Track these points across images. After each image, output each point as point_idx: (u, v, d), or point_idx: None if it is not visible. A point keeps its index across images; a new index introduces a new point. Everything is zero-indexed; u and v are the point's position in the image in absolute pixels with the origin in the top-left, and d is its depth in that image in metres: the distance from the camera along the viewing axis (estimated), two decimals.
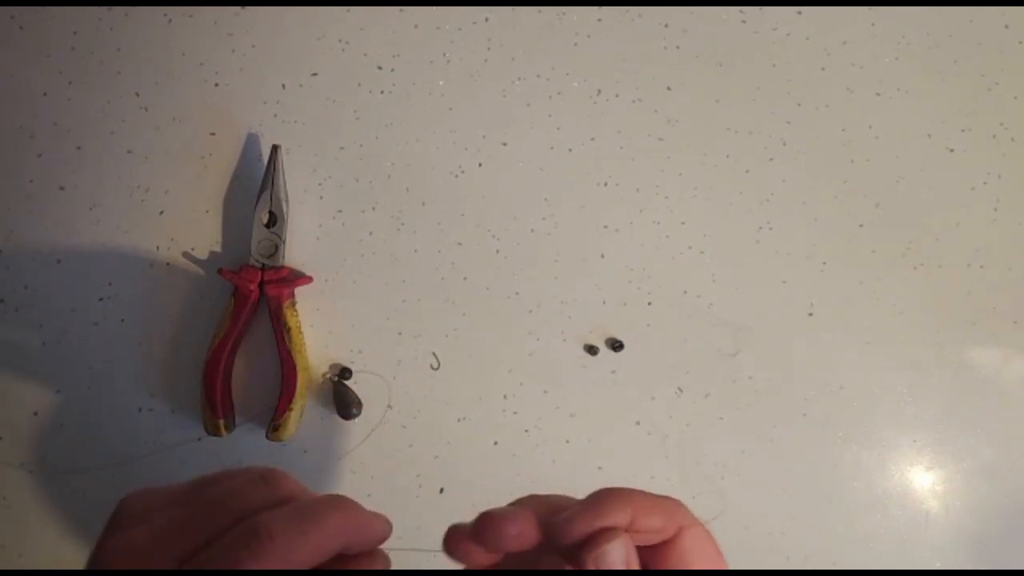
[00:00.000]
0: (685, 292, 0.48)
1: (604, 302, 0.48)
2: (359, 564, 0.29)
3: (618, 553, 0.26)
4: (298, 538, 0.26)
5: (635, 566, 0.27)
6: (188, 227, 0.48)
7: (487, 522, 0.28)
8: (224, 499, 0.27)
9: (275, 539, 0.25)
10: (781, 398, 0.48)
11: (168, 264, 0.48)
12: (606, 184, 0.48)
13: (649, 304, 0.48)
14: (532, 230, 0.48)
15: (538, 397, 0.48)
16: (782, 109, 0.49)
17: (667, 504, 0.29)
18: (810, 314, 0.48)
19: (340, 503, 0.28)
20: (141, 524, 0.26)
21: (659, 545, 0.28)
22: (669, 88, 0.49)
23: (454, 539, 0.28)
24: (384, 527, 0.31)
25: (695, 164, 0.48)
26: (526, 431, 0.48)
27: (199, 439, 0.47)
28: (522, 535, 0.27)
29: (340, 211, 0.48)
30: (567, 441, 0.48)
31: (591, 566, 0.26)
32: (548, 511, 0.28)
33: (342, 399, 0.47)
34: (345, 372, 0.47)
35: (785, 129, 0.49)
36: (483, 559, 0.28)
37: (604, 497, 0.27)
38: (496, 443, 0.48)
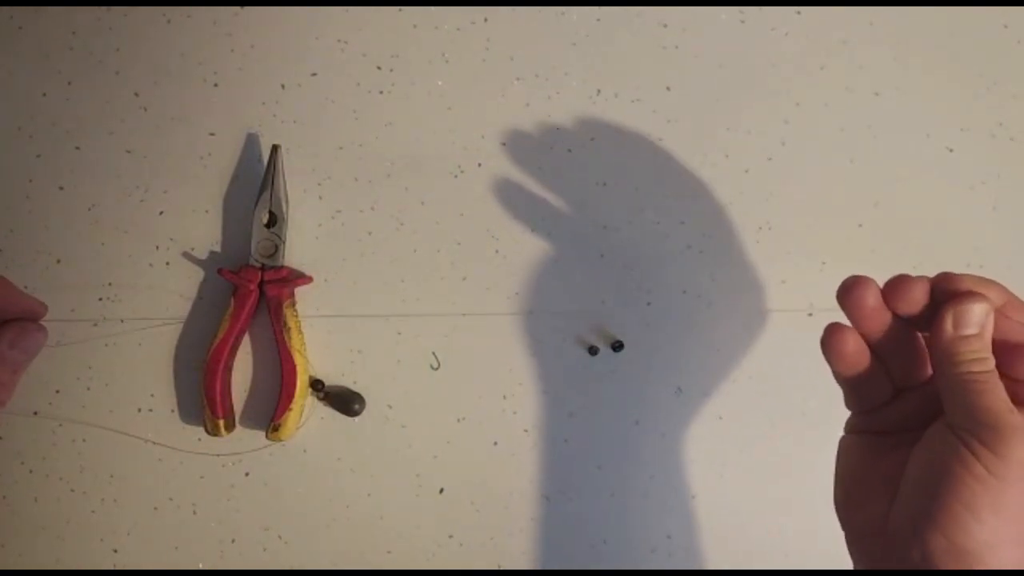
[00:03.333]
0: (685, 292, 0.48)
1: (604, 302, 0.48)
2: (10, 328, 0.33)
3: (979, 313, 0.29)
4: None
5: (988, 334, 0.30)
6: (188, 227, 0.48)
7: (901, 282, 0.31)
8: None
9: None
10: (781, 398, 0.48)
11: (168, 264, 0.48)
12: (606, 184, 0.48)
13: (649, 304, 0.48)
14: (532, 230, 0.48)
15: (538, 397, 0.48)
16: (782, 109, 0.49)
17: None
18: (810, 314, 0.48)
19: None
20: None
21: (1011, 347, 0.30)
22: (669, 88, 0.49)
23: (859, 287, 0.31)
24: (35, 304, 0.35)
25: (695, 164, 0.49)
26: (526, 431, 0.48)
27: (199, 439, 0.47)
28: (920, 300, 0.31)
29: (340, 211, 0.48)
30: (566, 441, 0.48)
31: (948, 321, 0.30)
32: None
33: (344, 397, 0.47)
34: (318, 384, 0.47)
35: (785, 129, 0.49)
36: (871, 315, 0.31)
37: (986, 279, 0.31)
38: (496, 443, 0.48)
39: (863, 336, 0.32)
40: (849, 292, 0.31)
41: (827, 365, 0.34)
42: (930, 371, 0.33)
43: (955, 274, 0.31)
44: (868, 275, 0.32)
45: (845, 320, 0.33)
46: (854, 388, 0.34)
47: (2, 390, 0.33)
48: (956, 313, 0.30)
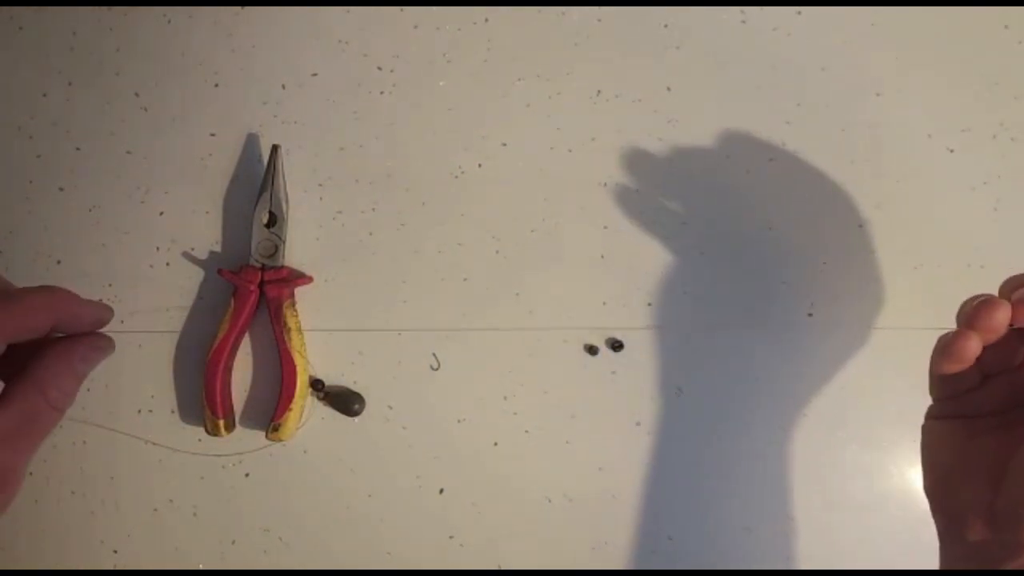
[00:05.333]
0: (685, 292, 0.48)
1: (604, 302, 0.48)
2: (81, 341, 0.33)
3: None
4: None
5: None
6: (188, 227, 0.48)
7: None
8: None
9: None
10: (782, 399, 0.48)
11: (168, 264, 0.48)
12: (606, 184, 0.48)
13: (649, 304, 0.48)
14: (532, 230, 0.48)
15: (538, 398, 0.48)
16: (782, 109, 0.49)
17: None
18: (810, 314, 0.48)
19: (46, 287, 0.33)
20: None
21: None
22: (669, 88, 0.49)
23: (997, 310, 0.32)
24: (100, 311, 0.35)
25: (696, 165, 0.48)
26: (526, 432, 0.48)
27: (199, 440, 0.47)
28: None
29: (340, 211, 0.48)
30: (567, 442, 0.48)
31: None
32: None
33: (344, 397, 0.47)
34: (318, 383, 0.47)
35: (785, 129, 0.49)
36: (998, 330, 0.33)
37: None
38: (496, 444, 0.48)
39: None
40: (986, 313, 0.32)
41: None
42: (1019, 359, 0.34)
43: None
44: (991, 294, 0.33)
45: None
46: (947, 378, 0.35)
47: (67, 399, 0.33)
48: None
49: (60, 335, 0.34)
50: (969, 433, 0.35)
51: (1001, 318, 0.32)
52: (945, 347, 0.34)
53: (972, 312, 0.33)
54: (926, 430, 0.37)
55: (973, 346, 0.33)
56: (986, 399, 0.35)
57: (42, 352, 0.33)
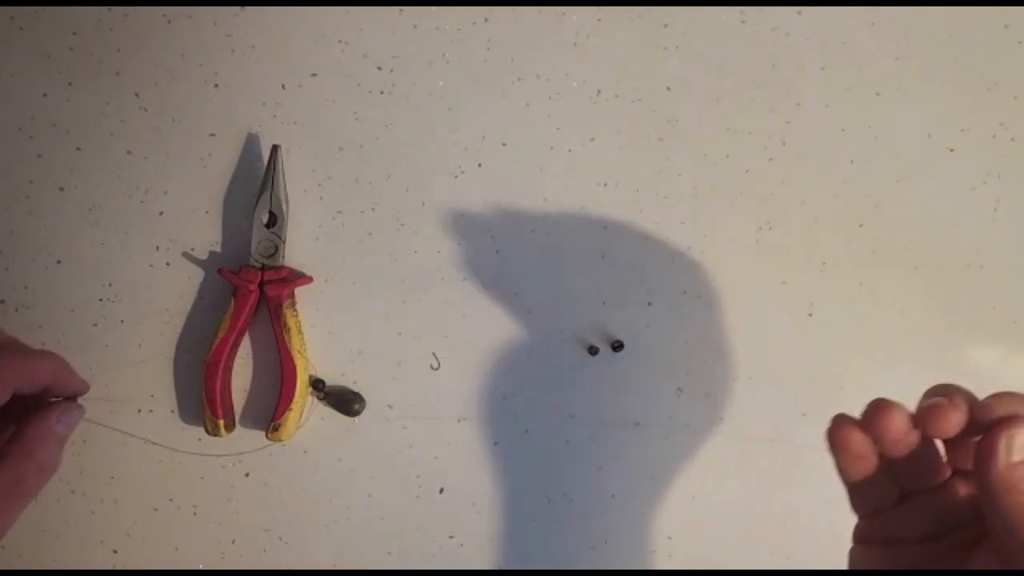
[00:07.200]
0: (685, 292, 0.48)
1: (604, 302, 0.48)
2: (57, 407, 0.39)
3: None
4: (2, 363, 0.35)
5: None
6: (188, 227, 0.48)
7: (939, 410, 0.29)
8: None
9: None
10: (781, 398, 0.48)
11: (168, 264, 0.48)
12: (606, 184, 0.48)
13: (649, 304, 0.48)
14: (532, 230, 0.48)
15: (538, 397, 0.48)
16: (782, 109, 0.49)
17: None
18: (810, 314, 0.48)
19: (50, 352, 0.40)
20: None
21: None
22: (669, 88, 0.49)
23: (888, 415, 0.29)
24: (81, 384, 0.42)
25: (695, 164, 0.48)
26: (526, 431, 0.48)
27: (199, 439, 0.47)
28: (959, 425, 0.28)
29: (340, 211, 0.48)
30: (567, 442, 0.48)
31: (1001, 447, 0.27)
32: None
33: (344, 396, 0.47)
34: (319, 383, 0.47)
35: (785, 129, 0.49)
36: (899, 439, 0.29)
37: (1019, 394, 0.29)
38: (496, 443, 0.48)
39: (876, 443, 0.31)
40: (877, 418, 0.30)
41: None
42: (941, 478, 0.31)
43: (991, 399, 0.29)
44: (892, 399, 0.30)
45: None
46: (857, 487, 0.32)
47: (53, 460, 0.38)
48: (1010, 438, 0.28)
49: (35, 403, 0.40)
50: (891, 563, 0.32)
51: (898, 424, 0.29)
52: (828, 435, 0.31)
53: (867, 417, 0.30)
54: (851, 555, 0.34)
55: (855, 441, 0.30)
56: (907, 522, 0.32)
57: (23, 421, 0.38)
